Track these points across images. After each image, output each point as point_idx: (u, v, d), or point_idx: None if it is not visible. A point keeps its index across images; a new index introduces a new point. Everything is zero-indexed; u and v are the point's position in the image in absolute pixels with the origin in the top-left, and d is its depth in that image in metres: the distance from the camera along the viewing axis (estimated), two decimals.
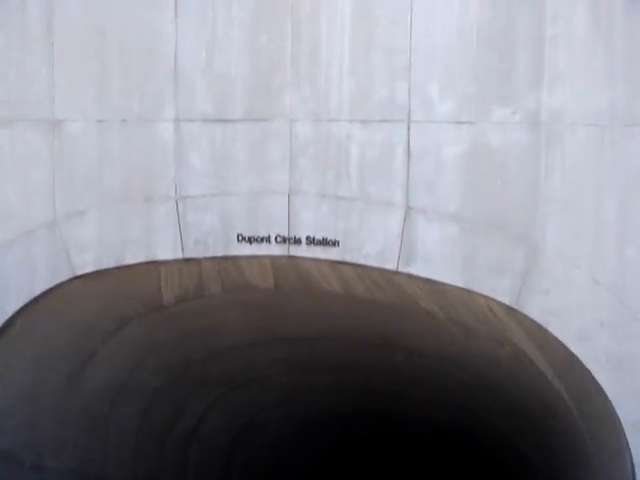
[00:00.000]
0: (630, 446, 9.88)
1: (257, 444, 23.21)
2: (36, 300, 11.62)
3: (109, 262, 11.33)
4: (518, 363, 12.59)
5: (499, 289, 9.89)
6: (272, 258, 10.83)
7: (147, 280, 12.17)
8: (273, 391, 19.97)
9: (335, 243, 10.25)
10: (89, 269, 11.39)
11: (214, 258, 11.05)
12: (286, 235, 10.45)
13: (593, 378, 9.90)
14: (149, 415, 17.26)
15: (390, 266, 10.12)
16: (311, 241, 10.34)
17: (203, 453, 20.51)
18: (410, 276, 10.19)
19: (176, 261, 11.23)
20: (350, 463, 31.77)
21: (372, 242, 10.18)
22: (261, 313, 13.98)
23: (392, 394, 19.92)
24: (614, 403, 9.76)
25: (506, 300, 9.90)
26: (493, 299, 10.01)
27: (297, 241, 10.42)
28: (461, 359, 14.46)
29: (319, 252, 10.40)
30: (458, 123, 9.89)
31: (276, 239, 10.49)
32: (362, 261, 10.26)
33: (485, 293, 9.98)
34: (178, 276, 12.01)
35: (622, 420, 9.84)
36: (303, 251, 10.46)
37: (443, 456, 31.19)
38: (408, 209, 10.06)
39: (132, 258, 11.26)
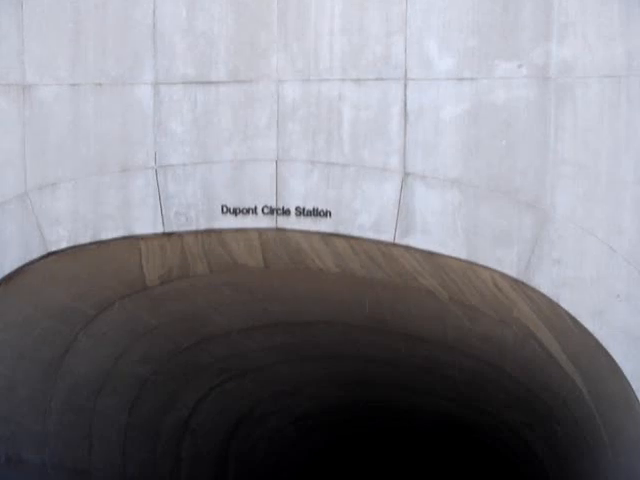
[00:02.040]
0: None
1: (254, 437, 22.47)
2: (7, 279, 10.80)
3: (85, 238, 10.53)
4: (526, 346, 11.79)
5: (505, 260, 9.10)
6: (259, 231, 10.04)
7: (127, 258, 11.39)
8: (270, 382, 19.19)
9: (327, 214, 9.47)
10: (63, 245, 10.58)
11: (197, 232, 10.29)
12: (274, 206, 9.66)
13: (609, 357, 9.09)
14: (138, 407, 16.49)
15: (386, 237, 9.33)
16: (301, 212, 9.56)
17: (197, 446, 19.75)
18: (408, 248, 9.41)
19: (156, 236, 10.46)
20: (351, 456, 31.13)
21: (366, 212, 9.39)
22: (252, 296, 13.18)
23: (394, 384, 19.13)
24: (633, 385, 8.98)
25: (513, 272, 9.11)
26: (499, 272, 9.22)
27: (286, 212, 9.64)
28: (465, 345, 13.64)
29: (309, 224, 9.62)
30: (459, 80, 9.10)
31: (263, 210, 9.70)
32: (356, 233, 9.48)
33: (490, 265, 9.19)
34: (160, 253, 11.23)
35: None
36: (292, 223, 9.68)
37: (447, 449, 30.53)
38: (405, 175, 9.26)
39: (109, 233, 10.46)
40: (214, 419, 19.90)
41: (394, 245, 9.41)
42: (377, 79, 9.37)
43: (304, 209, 9.53)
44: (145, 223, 10.29)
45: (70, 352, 13.38)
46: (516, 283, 9.32)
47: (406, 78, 9.28)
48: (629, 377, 8.93)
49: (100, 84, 10.19)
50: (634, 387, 8.94)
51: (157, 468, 18.01)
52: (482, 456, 28.88)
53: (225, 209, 9.82)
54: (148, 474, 17.55)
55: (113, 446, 16.20)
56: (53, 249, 10.56)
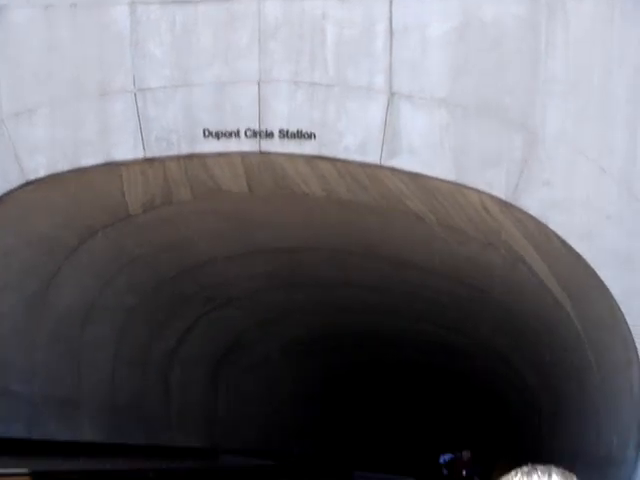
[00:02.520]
0: (639, 357, 9.08)
1: (242, 365, 22.50)
2: None
3: (63, 165, 10.26)
4: (514, 270, 11.67)
5: (494, 182, 8.91)
6: (243, 155, 9.79)
7: (108, 186, 11.15)
8: (256, 310, 19.10)
9: (311, 136, 9.19)
10: (42, 173, 10.32)
11: (179, 157, 10.02)
12: (257, 128, 9.37)
13: (598, 279, 8.99)
14: (125, 337, 16.40)
15: (372, 159, 9.10)
16: (284, 134, 9.28)
17: (186, 375, 19.76)
18: (394, 170, 9.19)
19: (137, 162, 10.20)
20: (339, 383, 31.32)
21: (352, 133, 9.13)
22: (237, 222, 12.99)
23: (382, 311, 19.09)
24: (622, 307, 8.90)
25: (502, 194, 8.93)
26: (487, 194, 9.04)
27: (269, 135, 9.35)
28: (454, 269, 13.52)
29: (294, 146, 9.36)
30: None
31: (246, 133, 9.42)
32: (341, 155, 9.24)
33: (478, 187, 9.00)
34: (142, 180, 11.00)
35: (631, 326, 9.00)
36: (276, 146, 9.42)
37: (435, 376, 30.75)
38: (391, 95, 8.96)
39: (89, 160, 10.19)
40: (202, 348, 19.87)
41: (380, 167, 9.20)
42: None
43: (288, 131, 9.26)
44: (125, 149, 10.01)
45: (54, 283, 13.21)
46: (505, 205, 9.16)
47: None
48: (618, 299, 8.84)
49: (75, 4, 9.77)
50: (622, 309, 8.86)
51: (147, 397, 18.01)
52: (471, 382, 29.17)
53: (207, 133, 9.54)
54: (138, 403, 17.55)
55: (102, 376, 16.15)
56: (31, 178, 10.29)
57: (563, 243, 8.96)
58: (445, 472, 22.16)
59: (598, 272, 8.80)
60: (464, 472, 20.01)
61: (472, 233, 10.92)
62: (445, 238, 11.68)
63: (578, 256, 8.90)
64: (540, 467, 1.58)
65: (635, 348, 8.85)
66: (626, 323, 8.89)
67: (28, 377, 13.69)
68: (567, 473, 1.58)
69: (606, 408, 11.34)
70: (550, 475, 1.54)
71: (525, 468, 1.60)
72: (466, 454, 20.79)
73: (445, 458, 22.88)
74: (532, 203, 8.80)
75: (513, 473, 1.61)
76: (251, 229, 13.28)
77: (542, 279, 11.06)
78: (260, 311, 19.26)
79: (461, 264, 12.90)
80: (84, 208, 11.87)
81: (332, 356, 26.51)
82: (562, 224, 8.79)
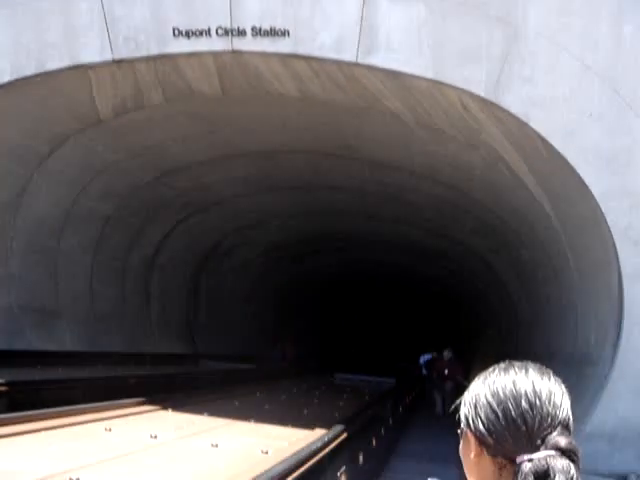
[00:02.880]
0: (619, 255, 9.01)
1: (223, 271, 22.47)
2: None
3: (29, 69, 9.87)
4: (494, 170, 11.50)
5: (474, 79, 8.62)
6: (214, 54, 9.42)
7: (77, 90, 10.78)
8: (235, 215, 18.93)
9: (285, 33, 8.81)
10: (6, 78, 9.93)
11: (149, 59, 9.63)
12: (228, 26, 8.96)
13: (579, 179, 8.84)
14: (103, 245, 16.23)
15: (348, 57, 8.76)
16: (257, 32, 8.89)
17: (166, 282, 19.71)
18: (371, 68, 8.87)
19: (106, 64, 9.80)
20: (319, 288, 31.45)
21: (327, 30, 8.76)
22: (211, 125, 12.67)
23: (361, 214, 18.94)
24: (602, 206, 8.79)
25: (481, 92, 8.66)
26: (467, 92, 8.77)
27: (241, 33, 8.96)
28: (433, 170, 13.34)
29: (267, 44, 8.99)
30: None
31: (217, 31, 9.01)
32: (316, 53, 8.90)
33: (457, 85, 8.71)
34: (111, 83, 10.61)
35: (610, 226, 8.90)
36: (249, 44, 9.03)
37: (415, 278, 30.87)
38: None
39: (55, 63, 9.79)
40: (181, 255, 19.78)
41: (356, 65, 8.88)
42: None
43: (260, 29, 8.87)
44: (92, 50, 9.60)
45: (27, 193, 12.93)
46: (485, 104, 8.92)
47: None
48: (598, 198, 8.71)
49: None
50: (603, 208, 8.74)
51: (127, 304, 17.97)
52: (449, 282, 29.25)
53: (177, 32, 9.13)
54: (118, 310, 17.52)
55: (80, 285, 16.04)
56: None
57: (544, 142, 8.78)
58: (425, 372, 22.33)
59: (579, 171, 8.64)
60: (446, 371, 19.29)
61: (451, 133, 10.70)
62: (424, 139, 11.46)
63: (559, 155, 8.72)
64: (517, 363, 1.60)
65: (614, 248, 8.77)
66: (606, 223, 8.80)
67: (5, 288, 13.56)
68: (543, 369, 1.56)
69: (585, 308, 11.36)
70: (527, 370, 1.56)
71: (502, 365, 1.61)
72: (447, 354, 20.19)
73: (425, 358, 23.07)
74: (513, 101, 8.56)
75: (491, 369, 1.61)
76: (226, 133, 12.98)
77: (522, 179, 10.91)
78: (239, 216, 19.09)
79: (440, 165, 12.72)
80: (54, 114, 11.51)
81: (312, 261, 26.52)
82: (543, 122, 8.58)
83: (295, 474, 4.25)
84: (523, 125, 8.74)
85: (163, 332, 19.73)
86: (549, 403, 1.49)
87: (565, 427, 1.48)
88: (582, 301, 11.50)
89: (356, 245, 24.54)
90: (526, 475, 1.42)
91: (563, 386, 1.53)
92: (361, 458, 7.09)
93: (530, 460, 1.43)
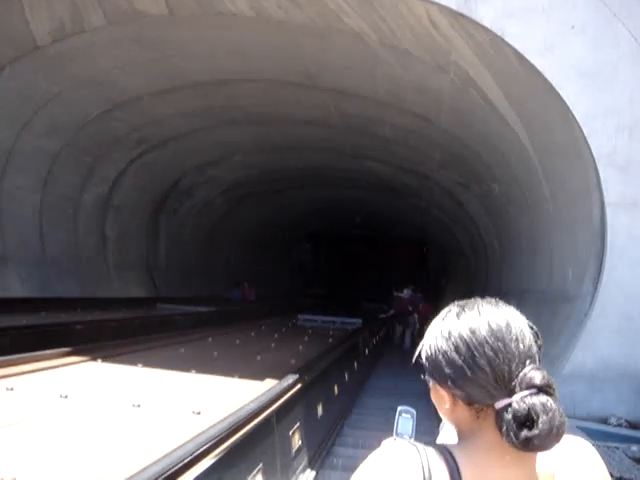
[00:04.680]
0: (601, 183, 8.30)
1: (183, 211, 21.61)
2: None
3: None
4: (464, 96, 10.68)
5: None
6: None
7: (8, 14, 9.81)
8: (193, 152, 17.98)
9: None
10: None
11: None
12: None
13: (559, 99, 8.06)
14: (51, 185, 15.27)
15: None
16: None
17: (123, 224, 18.82)
18: None
19: None
20: (284, 227, 30.75)
21: None
22: (161, 52, 11.68)
23: (325, 148, 18.05)
24: (584, 129, 8.03)
25: (452, 4, 7.82)
26: (435, 3, 7.90)
27: None
28: (399, 98, 12.48)
29: None
30: None
31: None
32: None
33: None
34: (46, 4, 9.62)
35: (593, 151, 8.17)
36: None
37: (381, 215, 30.24)
38: None
39: None
40: (138, 194, 18.86)
41: None
42: None
43: None
44: None
45: None
46: (455, 18, 8.07)
47: None
48: (580, 120, 7.96)
49: None
50: (585, 131, 8.01)
51: (80, 248, 17.09)
52: (417, 220, 28.63)
53: None
54: (71, 254, 16.63)
55: (28, 228, 15.13)
56: None
57: (520, 59, 8.00)
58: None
59: (559, 91, 7.87)
60: (410, 307, 20.40)
61: (418, 54, 9.86)
62: (389, 62, 10.60)
63: (537, 73, 7.95)
64: (467, 304, 1.61)
65: (597, 173, 8.06)
66: (588, 148, 8.07)
67: None
68: (494, 302, 1.59)
69: (560, 242, 10.72)
70: (480, 311, 1.55)
71: (453, 309, 1.61)
72: (407, 292, 21.22)
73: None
74: (486, 12, 7.74)
75: (442, 315, 1.62)
76: (177, 60, 12.00)
77: (494, 105, 10.13)
78: (198, 153, 18.14)
79: (406, 92, 11.87)
80: None
81: (275, 199, 25.68)
82: (519, 36, 7.79)
83: (231, 440, 3.51)
84: (498, 41, 7.94)
85: (121, 276, 18.93)
86: (512, 341, 1.48)
87: (532, 359, 1.48)
88: (558, 235, 10.85)
89: (321, 183, 23.73)
90: (508, 421, 1.41)
91: (518, 313, 1.55)
92: (320, 410, 6.41)
93: (509, 405, 1.43)
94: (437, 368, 1.53)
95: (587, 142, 8.03)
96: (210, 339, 9.71)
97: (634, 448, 7.65)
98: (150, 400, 4.53)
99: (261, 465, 3.97)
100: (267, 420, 4.28)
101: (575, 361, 8.57)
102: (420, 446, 1.52)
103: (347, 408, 8.92)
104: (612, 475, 6.76)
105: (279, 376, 5.50)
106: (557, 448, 1.47)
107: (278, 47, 11.10)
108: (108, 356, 6.42)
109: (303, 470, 5.24)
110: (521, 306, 1.60)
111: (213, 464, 3.28)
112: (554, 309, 10.60)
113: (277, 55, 11.48)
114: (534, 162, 10.74)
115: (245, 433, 3.79)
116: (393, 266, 37.79)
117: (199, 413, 4.11)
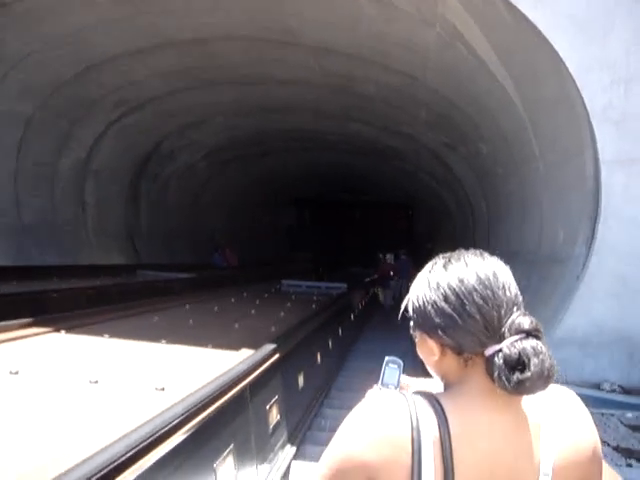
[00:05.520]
0: (596, 140, 7.93)
1: (164, 176, 21.13)
2: None
3: None
4: (451, 50, 10.25)
5: None
6: None
7: None
8: (173, 114, 17.49)
9: None
10: None
11: None
12: None
13: (551, 51, 7.66)
14: (26, 150, 14.78)
15: None
16: None
17: (103, 189, 18.34)
18: None
19: None
20: (268, 191, 30.29)
21: None
22: (136, 8, 11.15)
23: (308, 109, 17.57)
24: (578, 82, 7.65)
25: None
26: None
27: None
28: (383, 55, 12.03)
29: None
30: None
31: None
32: None
33: None
34: None
35: (587, 105, 7.79)
36: None
37: (367, 178, 29.85)
38: None
39: None
40: (118, 159, 18.36)
41: None
42: None
43: None
44: None
45: None
46: None
47: None
48: (573, 73, 7.58)
49: None
50: (579, 84, 7.63)
51: (58, 214, 16.62)
52: (403, 184, 28.24)
53: None
54: (48, 221, 16.17)
55: (3, 195, 14.65)
56: None
57: (510, 10, 7.61)
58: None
59: (551, 41, 7.49)
60: (391, 272, 20.90)
61: (404, 7, 9.43)
62: (373, 16, 10.17)
63: (527, 23, 7.57)
64: (453, 255, 1.62)
65: (591, 129, 7.70)
66: (582, 103, 7.70)
67: None
68: (478, 252, 1.61)
69: (551, 203, 10.38)
70: (466, 261, 1.57)
71: (439, 261, 1.62)
72: (389, 257, 21.83)
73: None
74: None
75: (429, 267, 1.62)
76: (151, 17, 11.50)
77: (483, 59, 9.73)
78: (178, 116, 17.63)
79: (391, 48, 11.43)
80: None
81: (259, 163, 25.20)
82: None
83: (195, 420, 3.14)
84: None
85: (101, 243, 18.49)
86: (500, 289, 1.52)
87: (518, 306, 1.53)
88: (548, 195, 10.51)
89: (306, 146, 23.28)
90: (500, 366, 1.44)
91: (502, 263, 1.58)
92: (301, 381, 6.06)
93: (499, 350, 1.46)
94: (426, 319, 1.55)
95: (581, 96, 7.66)
96: (187, 306, 9.32)
97: (629, 415, 7.39)
98: (110, 376, 4.14)
99: (232, 446, 3.60)
100: (240, 395, 3.92)
101: (567, 325, 8.28)
102: (408, 394, 1.55)
103: (331, 377, 8.61)
104: (609, 444, 6.48)
105: (256, 345, 5.13)
106: (543, 399, 1.54)
107: (257, 1, 10.63)
108: (74, 327, 6.01)
109: (282, 447, 4.90)
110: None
111: (174, 448, 2.93)
112: (545, 271, 10.29)
113: (255, 10, 10.99)
114: (524, 120, 10.36)
115: (212, 412, 3.42)
116: (380, 231, 37.51)
117: (163, 389, 3.72)
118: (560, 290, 8.97)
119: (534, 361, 1.42)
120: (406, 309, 1.64)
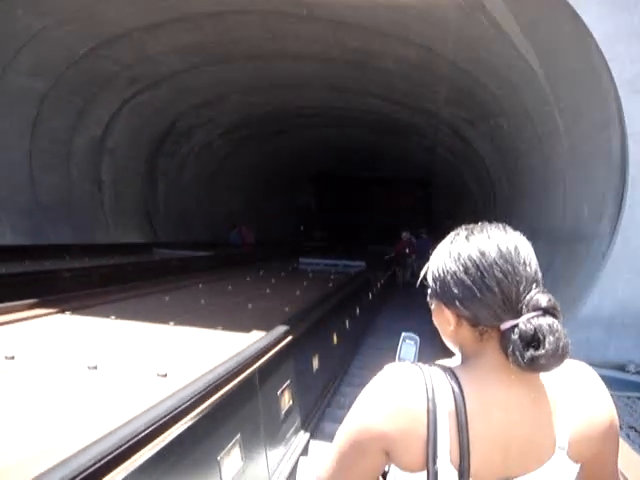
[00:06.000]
0: (623, 112, 7.63)
1: (181, 154, 20.95)
2: None
3: None
4: (472, 24, 9.96)
5: None
6: None
7: None
8: (189, 91, 17.27)
9: None
10: None
11: None
12: None
13: (577, 20, 7.36)
14: (40, 128, 14.62)
15: None
16: None
17: (119, 167, 18.18)
18: None
19: None
20: (287, 168, 30.04)
21: None
22: None
23: (326, 85, 17.27)
24: (606, 53, 7.35)
25: None
26: None
27: None
28: (402, 28, 11.72)
29: None
30: None
31: None
32: None
33: None
34: None
35: (615, 77, 7.50)
36: None
37: (385, 152, 29.50)
38: None
39: None
40: (134, 137, 18.18)
41: None
42: None
43: None
44: None
45: None
46: None
47: None
48: (600, 43, 7.30)
49: None
50: (606, 55, 7.33)
51: (74, 193, 16.50)
52: (423, 160, 27.92)
53: None
54: (64, 200, 16.05)
55: (19, 173, 14.52)
56: None
57: None
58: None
59: (577, 10, 7.20)
60: (407, 250, 21.27)
61: None
62: None
63: None
64: (475, 227, 1.61)
65: (618, 103, 7.40)
66: (609, 74, 7.41)
67: None
68: (501, 226, 1.59)
69: (575, 178, 10.08)
70: (489, 234, 1.56)
71: (461, 232, 1.61)
72: (405, 235, 22.00)
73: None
74: None
75: (451, 238, 1.62)
76: None
77: (505, 31, 9.42)
78: (194, 93, 17.41)
79: (410, 20, 11.12)
80: None
81: (276, 140, 24.94)
82: None
83: (197, 410, 2.94)
84: None
85: (118, 221, 18.38)
86: (520, 264, 1.50)
87: (538, 283, 1.51)
88: (572, 171, 10.21)
89: (323, 122, 22.99)
90: (514, 342, 1.44)
91: (525, 238, 1.56)
92: (316, 363, 5.85)
93: (515, 326, 1.46)
94: (445, 289, 1.55)
95: (608, 68, 7.37)
96: (200, 286, 9.11)
97: None
98: (110, 360, 3.94)
99: (239, 436, 3.40)
100: (248, 381, 3.71)
101: (592, 305, 8.03)
102: (424, 366, 1.55)
103: (348, 359, 8.40)
104: (636, 429, 6.25)
105: (269, 327, 4.92)
106: (559, 373, 1.53)
107: None
108: (80, 308, 5.83)
109: (295, 433, 4.71)
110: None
111: (174, 439, 2.73)
112: (569, 248, 10.02)
113: None
114: (547, 93, 10.06)
115: (217, 399, 3.22)
116: (398, 208, 37.19)
117: (165, 375, 3.52)
118: (585, 268, 8.71)
119: (549, 339, 1.41)
120: (425, 278, 1.64)
